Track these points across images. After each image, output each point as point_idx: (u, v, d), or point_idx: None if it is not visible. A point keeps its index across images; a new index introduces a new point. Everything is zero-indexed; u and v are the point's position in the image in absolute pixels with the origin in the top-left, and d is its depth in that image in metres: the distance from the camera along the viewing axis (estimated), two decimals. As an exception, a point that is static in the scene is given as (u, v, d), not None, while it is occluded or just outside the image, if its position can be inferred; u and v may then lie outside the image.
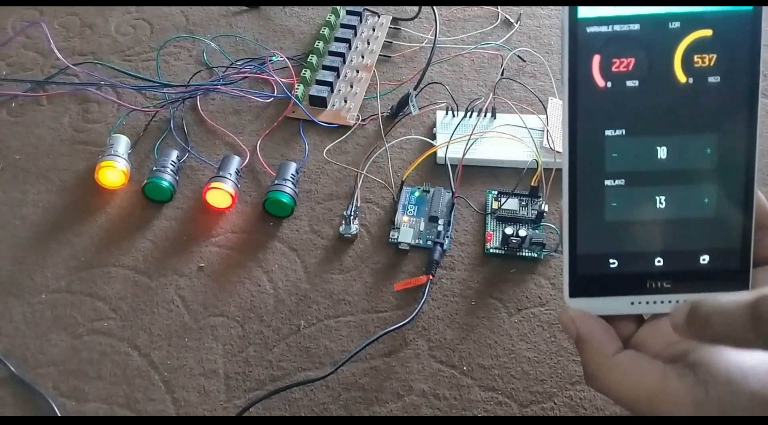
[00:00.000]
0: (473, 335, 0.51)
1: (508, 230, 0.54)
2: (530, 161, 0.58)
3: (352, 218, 0.56)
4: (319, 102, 0.65)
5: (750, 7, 0.28)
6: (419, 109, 0.63)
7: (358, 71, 0.69)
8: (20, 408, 0.48)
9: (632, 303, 0.31)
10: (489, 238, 0.55)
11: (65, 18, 0.76)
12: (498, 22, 0.74)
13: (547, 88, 0.67)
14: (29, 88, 0.68)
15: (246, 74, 0.68)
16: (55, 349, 0.50)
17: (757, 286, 0.30)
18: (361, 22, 0.73)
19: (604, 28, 0.28)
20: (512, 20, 0.74)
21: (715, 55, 0.28)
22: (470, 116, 0.63)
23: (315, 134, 0.64)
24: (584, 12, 0.28)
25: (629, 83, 0.29)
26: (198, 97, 0.66)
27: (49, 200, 0.59)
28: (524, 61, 0.70)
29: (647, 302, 0.31)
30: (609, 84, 0.29)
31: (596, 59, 0.29)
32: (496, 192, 0.58)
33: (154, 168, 0.58)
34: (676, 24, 0.28)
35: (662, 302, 0.31)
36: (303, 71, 0.67)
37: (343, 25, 0.72)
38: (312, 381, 0.48)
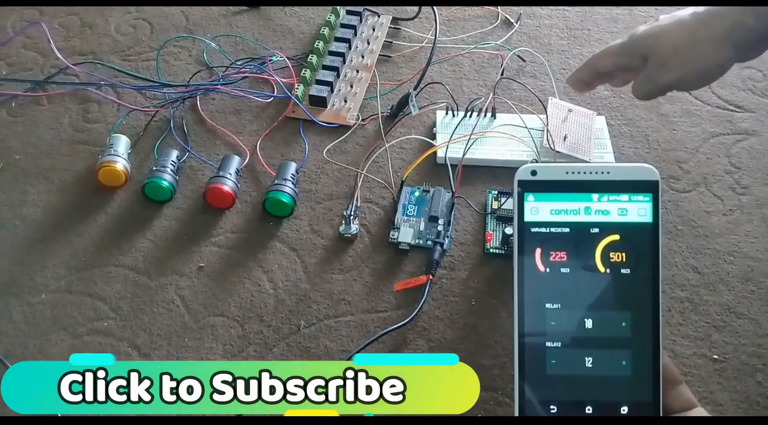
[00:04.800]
0: (473, 335, 0.51)
1: (508, 230, 0.54)
2: (530, 160, 0.58)
3: (352, 218, 0.56)
4: (319, 102, 0.65)
5: (650, 221, 0.37)
6: (419, 109, 0.63)
7: (358, 71, 0.69)
8: (20, 408, 0.48)
9: None
10: (489, 238, 0.55)
11: (65, 18, 0.76)
12: (498, 22, 0.74)
13: (547, 88, 0.67)
14: (29, 88, 0.68)
15: (246, 74, 0.68)
16: (55, 349, 0.50)
17: None
18: (361, 22, 0.73)
19: (543, 230, 0.37)
20: (512, 20, 0.74)
21: (625, 253, 0.37)
22: (470, 116, 0.63)
23: (315, 133, 0.64)
24: (528, 217, 0.37)
25: (563, 270, 0.37)
26: (198, 97, 0.66)
27: (49, 200, 0.59)
28: (524, 61, 0.70)
29: None
30: (547, 269, 0.37)
31: (538, 251, 0.37)
32: (496, 192, 0.58)
33: (154, 168, 0.58)
34: (596, 230, 0.37)
35: None
36: (303, 71, 0.67)
37: (343, 25, 0.72)
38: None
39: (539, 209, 0.37)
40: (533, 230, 0.37)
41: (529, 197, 0.38)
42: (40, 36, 0.72)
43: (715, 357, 0.50)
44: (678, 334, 0.51)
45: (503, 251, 0.55)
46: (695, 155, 0.62)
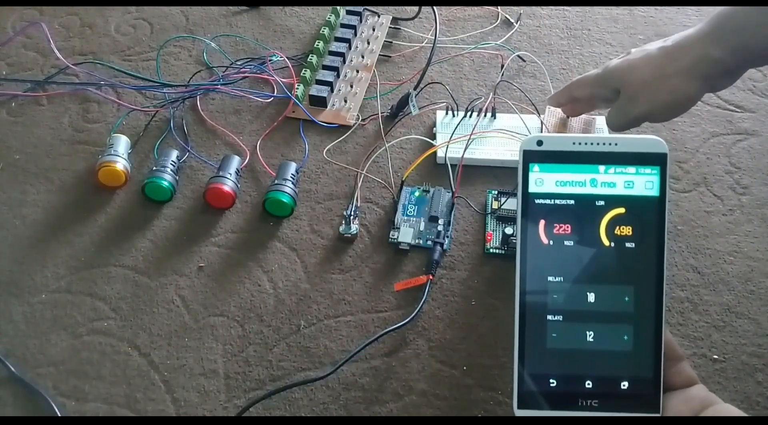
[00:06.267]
0: (473, 335, 0.51)
1: (508, 230, 0.54)
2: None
3: (352, 218, 0.56)
4: (319, 102, 0.65)
5: (657, 194, 0.36)
6: (419, 109, 0.63)
7: (358, 71, 0.69)
8: (20, 407, 0.48)
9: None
10: (489, 238, 0.55)
11: (65, 18, 0.76)
12: (498, 22, 0.74)
13: (547, 87, 0.67)
14: (29, 88, 0.68)
15: (246, 74, 0.68)
16: (55, 349, 0.50)
17: (666, 409, 0.36)
18: (361, 21, 0.73)
19: (548, 201, 0.37)
20: (512, 20, 0.74)
21: (630, 227, 0.36)
22: (470, 116, 0.63)
23: (315, 133, 0.64)
24: (533, 188, 0.37)
25: (566, 242, 0.37)
26: (198, 97, 0.66)
27: (49, 200, 0.59)
28: (524, 61, 0.70)
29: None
30: (551, 242, 0.37)
31: (542, 223, 0.37)
32: (496, 192, 0.58)
33: (154, 168, 0.58)
34: (602, 202, 0.37)
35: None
36: (303, 71, 0.67)
37: (343, 25, 0.72)
38: (312, 380, 0.48)
39: (544, 181, 0.37)
40: (537, 201, 0.37)
41: (534, 168, 0.37)
42: (40, 36, 0.72)
43: (715, 357, 0.50)
44: (678, 334, 0.51)
45: (503, 251, 0.55)
46: (695, 155, 0.62)
